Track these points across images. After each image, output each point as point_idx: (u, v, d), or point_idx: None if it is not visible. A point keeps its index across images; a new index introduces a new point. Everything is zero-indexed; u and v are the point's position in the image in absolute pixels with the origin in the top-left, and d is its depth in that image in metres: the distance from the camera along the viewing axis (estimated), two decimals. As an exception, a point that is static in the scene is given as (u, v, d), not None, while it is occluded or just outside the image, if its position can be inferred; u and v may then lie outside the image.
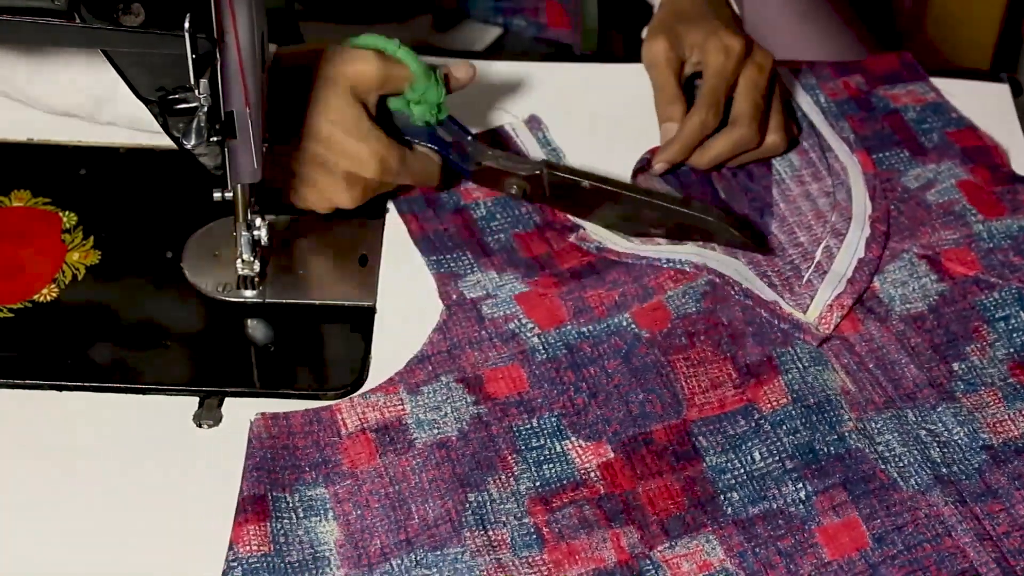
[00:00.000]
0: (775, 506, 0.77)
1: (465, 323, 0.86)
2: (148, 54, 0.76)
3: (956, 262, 0.91)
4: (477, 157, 0.92)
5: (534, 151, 0.99)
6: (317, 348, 0.87)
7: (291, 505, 0.76)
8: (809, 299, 0.88)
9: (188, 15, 0.73)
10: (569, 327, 0.85)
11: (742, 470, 0.79)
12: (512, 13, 1.25)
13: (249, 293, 0.89)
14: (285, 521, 0.75)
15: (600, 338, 0.85)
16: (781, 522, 0.76)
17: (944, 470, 0.79)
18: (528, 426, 0.80)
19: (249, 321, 0.88)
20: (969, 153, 1.00)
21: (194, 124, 0.79)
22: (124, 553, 0.75)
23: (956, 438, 0.81)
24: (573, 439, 0.80)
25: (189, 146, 0.80)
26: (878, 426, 0.81)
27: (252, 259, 0.89)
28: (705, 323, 0.86)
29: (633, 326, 0.85)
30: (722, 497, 0.77)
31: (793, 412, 0.81)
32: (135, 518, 0.76)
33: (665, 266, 0.89)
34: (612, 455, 0.79)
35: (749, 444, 0.80)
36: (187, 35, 0.73)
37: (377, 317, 0.88)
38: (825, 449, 0.80)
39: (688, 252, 0.90)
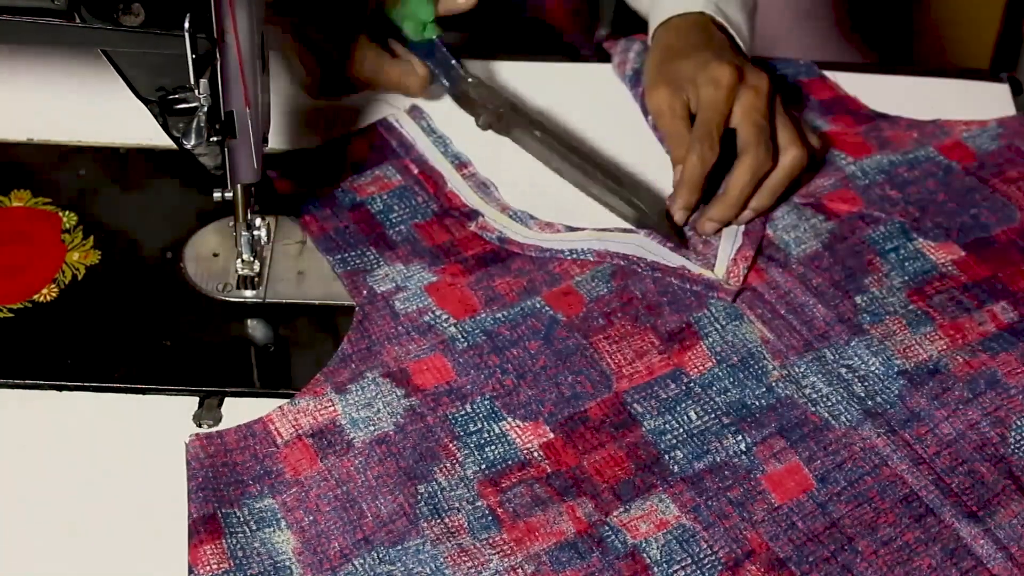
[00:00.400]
0: (719, 459, 0.79)
1: (380, 320, 0.85)
2: (148, 54, 0.76)
3: (838, 201, 0.95)
4: (458, 82, 1.01)
5: (421, 141, 0.99)
6: (317, 348, 0.87)
7: (242, 519, 0.75)
8: (713, 257, 0.90)
9: (188, 15, 0.73)
10: (484, 315, 0.86)
11: (681, 429, 0.80)
12: None
13: (249, 293, 0.89)
14: (240, 536, 0.74)
15: (516, 320, 0.85)
16: (727, 473, 0.78)
17: (869, 403, 0.82)
18: (463, 412, 0.80)
19: (249, 321, 0.88)
20: (826, 104, 1.04)
21: (194, 124, 0.79)
22: (124, 553, 0.75)
23: (873, 369, 0.83)
24: (510, 419, 0.80)
25: (189, 146, 0.80)
26: (801, 370, 0.83)
27: (252, 259, 0.89)
28: (619, 300, 0.87)
29: (547, 308, 0.86)
30: (666, 457, 0.79)
31: (720, 373, 0.83)
32: (135, 518, 0.76)
33: (568, 257, 0.90)
34: (552, 435, 0.80)
35: (683, 405, 0.81)
36: (187, 35, 0.74)
37: (377, 317, 0.88)
38: (757, 403, 0.82)
39: (588, 239, 0.91)
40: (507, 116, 0.99)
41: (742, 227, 0.92)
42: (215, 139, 0.80)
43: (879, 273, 0.89)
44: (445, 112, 1.02)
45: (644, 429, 0.80)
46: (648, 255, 0.89)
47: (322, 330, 0.88)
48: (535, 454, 0.78)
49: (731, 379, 0.83)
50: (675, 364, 0.83)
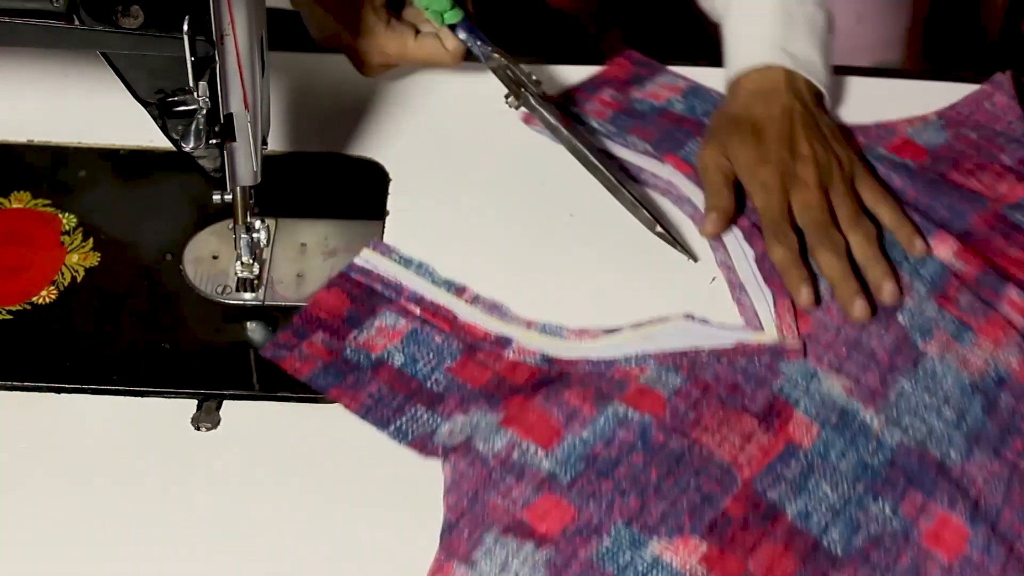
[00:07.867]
0: (873, 530, 0.76)
1: (471, 471, 0.78)
2: (147, 56, 0.76)
3: None
4: (488, 60, 1.01)
5: (405, 277, 0.90)
6: (316, 350, 0.87)
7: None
8: (756, 319, 0.87)
9: (187, 17, 0.73)
10: (570, 438, 0.79)
11: (823, 508, 0.76)
12: None
13: (248, 295, 0.89)
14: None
15: (606, 435, 0.79)
16: (888, 543, 0.75)
17: (964, 426, 0.80)
18: (605, 547, 0.74)
19: (248, 324, 0.88)
20: None
21: (193, 126, 0.78)
22: (122, 556, 0.75)
23: (948, 389, 0.82)
24: (656, 541, 0.74)
25: (188, 148, 0.80)
26: (895, 411, 0.81)
27: (251, 261, 0.89)
28: (698, 389, 0.82)
29: (633, 412, 0.80)
30: (824, 540, 0.75)
31: (829, 437, 0.80)
32: (133, 521, 0.76)
33: (625, 366, 0.83)
34: (705, 547, 0.74)
35: (813, 480, 0.78)
36: (186, 37, 0.73)
37: (376, 319, 0.88)
38: (876, 459, 0.79)
39: (634, 341, 0.85)
40: (535, 100, 0.99)
41: (757, 277, 0.89)
42: (214, 142, 0.80)
43: (904, 284, 0.88)
44: (407, 235, 0.93)
45: (789, 516, 0.76)
46: (703, 342, 0.85)
47: (321, 332, 0.88)
48: (698, 571, 0.73)
49: (842, 440, 0.79)
50: (785, 439, 0.79)
